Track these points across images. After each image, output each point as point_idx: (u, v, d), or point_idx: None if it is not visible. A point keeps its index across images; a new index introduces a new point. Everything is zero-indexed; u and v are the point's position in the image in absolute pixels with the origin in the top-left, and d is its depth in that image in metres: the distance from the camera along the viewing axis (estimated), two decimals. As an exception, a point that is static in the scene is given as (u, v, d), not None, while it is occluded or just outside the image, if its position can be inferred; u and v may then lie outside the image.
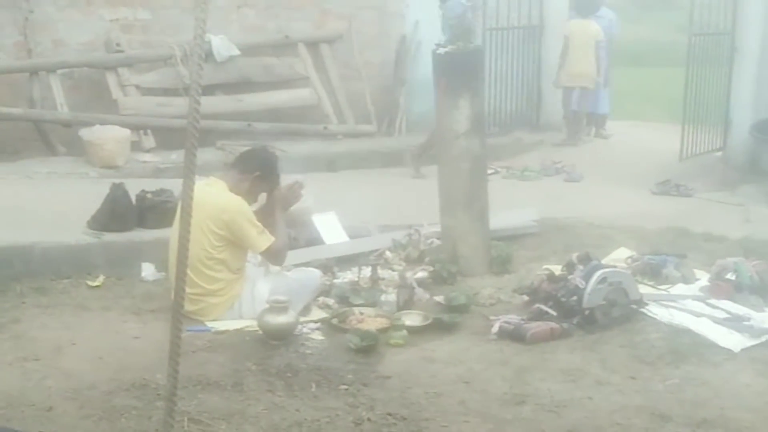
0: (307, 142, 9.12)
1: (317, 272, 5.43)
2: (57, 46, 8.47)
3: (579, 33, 10.01)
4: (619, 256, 6.11)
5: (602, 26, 10.46)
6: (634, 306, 5.13)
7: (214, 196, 4.90)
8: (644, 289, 5.42)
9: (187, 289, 3.78)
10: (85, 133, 7.89)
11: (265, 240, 5.00)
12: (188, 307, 4.26)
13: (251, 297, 5.05)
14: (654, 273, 5.77)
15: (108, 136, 7.87)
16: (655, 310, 5.17)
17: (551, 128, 10.68)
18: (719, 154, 9.37)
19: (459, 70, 5.91)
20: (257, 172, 5.10)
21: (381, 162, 9.04)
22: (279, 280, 5.17)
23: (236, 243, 4.98)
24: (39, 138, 8.22)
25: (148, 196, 6.21)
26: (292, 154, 8.58)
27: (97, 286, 5.55)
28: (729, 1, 9.16)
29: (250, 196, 5.15)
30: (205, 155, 6.99)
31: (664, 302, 5.32)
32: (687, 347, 4.71)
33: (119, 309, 5.21)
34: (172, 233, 5.08)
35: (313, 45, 9.58)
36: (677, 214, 7.36)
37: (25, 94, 8.18)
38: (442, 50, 5.91)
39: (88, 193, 6.50)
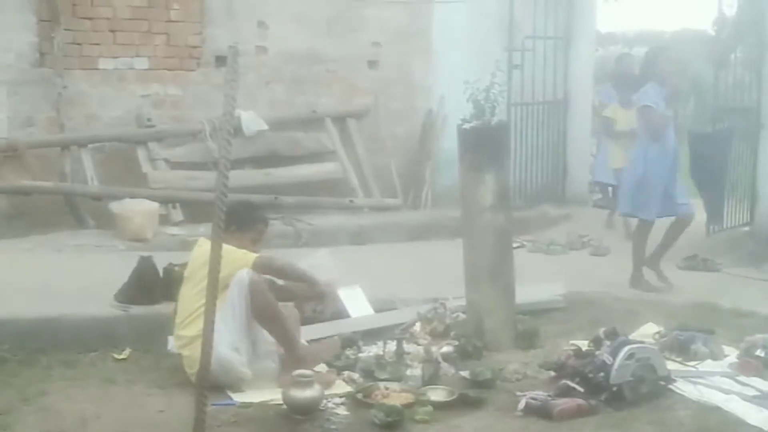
0: (333, 215, 9.18)
1: (244, 273, 5.11)
2: (89, 121, 8.62)
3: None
4: (647, 332, 6.06)
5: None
6: (663, 382, 5.07)
7: (205, 255, 4.90)
8: (672, 366, 5.36)
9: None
10: (114, 206, 7.98)
11: (249, 257, 5.12)
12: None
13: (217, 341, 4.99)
14: (682, 349, 5.71)
15: (137, 210, 7.96)
16: (683, 387, 5.11)
17: (577, 201, 10.70)
18: (746, 228, 9.33)
19: (484, 145, 5.96)
20: (232, 227, 5.15)
21: (407, 235, 9.05)
22: (222, 308, 5.08)
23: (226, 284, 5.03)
24: (69, 211, 8.32)
25: (176, 269, 6.24)
26: (318, 227, 8.65)
27: (123, 359, 5.57)
28: (754, 77, 9.21)
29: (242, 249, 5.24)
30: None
31: (693, 379, 5.26)
32: (716, 425, 4.64)
33: (145, 382, 5.21)
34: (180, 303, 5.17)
35: (339, 119, 9.72)
36: (705, 289, 7.30)
37: (57, 168, 8.31)
38: (467, 125, 5.97)
39: (116, 266, 6.55)
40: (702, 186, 9.00)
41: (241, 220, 5.36)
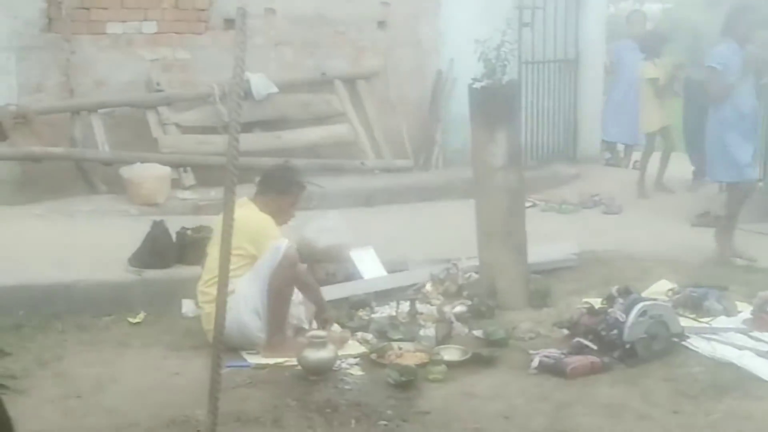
0: (345, 178, 9.15)
1: (282, 249, 5.11)
2: (98, 86, 8.59)
3: None
4: (660, 289, 6.06)
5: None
6: (676, 339, 5.08)
7: (244, 219, 4.89)
8: (685, 322, 5.37)
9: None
10: (125, 171, 7.99)
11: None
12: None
13: (235, 301, 5.02)
14: (695, 306, 5.72)
15: (148, 174, 7.96)
16: (696, 344, 5.12)
17: (588, 161, 10.67)
18: (760, 184, 9.27)
19: (495, 104, 5.93)
20: (273, 193, 5.32)
21: (418, 196, 9.04)
22: (251, 274, 5.14)
23: (255, 257, 5.11)
24: (80, 177, 8.33)
25: (188, 233, 6.28)
26: (329, 190, 8.63)
27: (137, 323, 5.61)
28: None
29: (279, 215, 5.32)
30: (244, 191, 6.94)
31: (706, 335, 5.26)
32: (730, 381, 4.65)
33: (160, 346, 5.25)
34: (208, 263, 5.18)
35: (349, 82, 9.66)
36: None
37: (67, 134, 8.30)
38: (478, 84, 5.94)
39: (129, 231, 6.57)
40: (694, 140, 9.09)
41: (281, 184, 5.41)
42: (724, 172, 7.25)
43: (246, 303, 5.05)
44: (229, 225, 3.60)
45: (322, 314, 5.36)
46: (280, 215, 5.33)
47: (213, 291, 5.04)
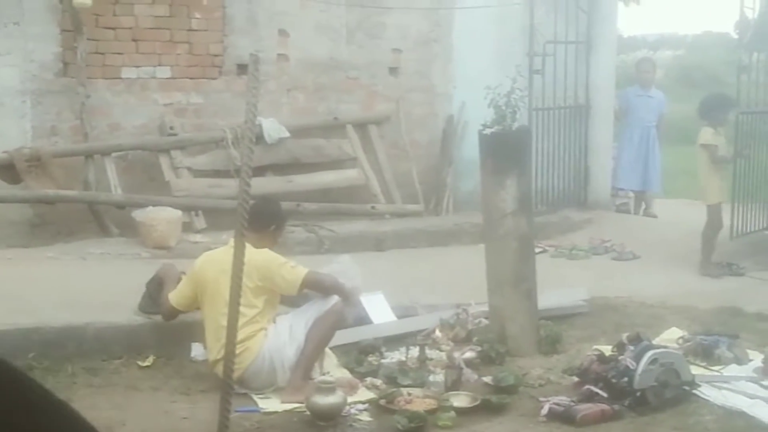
0: (355, 222, 9.18)
1: (335, 298, 5.37)
2: (112, 129, 8.67)
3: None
4: (671, 337, 6.04)
5: (653, 106, 10.55)
6: (687, 387, 5.05)
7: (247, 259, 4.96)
8: (696, 371, 5.34)
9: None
10: (137, 214, 8.03)
11: (298, 274, 5.19)
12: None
13: (275, 335, 5.10)
14: (706, 354, 5.70)
15: (160, 218, 8.01)
16: (707, 392, 5.09)
17: (599, 206, 10.67)
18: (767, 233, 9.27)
19: (505, 150, 5.97)
20: (273, 226, 5.48)
21: (428, 241, 9.06)
22: (297, 313, 5.22)
23: (274, 290, 5.15)
24: (93, 219, 8.38)
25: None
26: (340, 234, 8.66)
27: (147, 366, 5.61)
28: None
29: (271, 246, 5.43)
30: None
31: (717, 384, 5.24)
32: (741, 430, 4.62)
33: (169, 389, 5.25)
34: (208, 311, 5.22)
35: (361, 126, 9.73)
36: (729, 293, 7.27)
37: (81, 177, 8.37)
38: (488, 130, 5.97)
39: (140, 274, 6.59)
40: None
41: (280, 219, 5.61)
42: None
43: (286, 338, 5.10)
44: (239, 267, 3.63)
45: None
46: (272, 246, 5.46)
47: (246, 343, 5.05)
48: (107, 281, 6.82)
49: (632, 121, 10.72)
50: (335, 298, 5.25)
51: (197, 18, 8.93)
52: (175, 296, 5.57)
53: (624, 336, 5.38)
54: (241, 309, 4.94)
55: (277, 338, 5.15)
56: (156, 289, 6.10)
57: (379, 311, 6.33)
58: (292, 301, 5.57)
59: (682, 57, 32.63)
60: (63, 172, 8.27)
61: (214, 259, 5.37)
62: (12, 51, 8.21)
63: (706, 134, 8.38)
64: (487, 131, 5.96)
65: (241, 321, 4.97)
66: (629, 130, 10.76)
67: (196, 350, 5.73)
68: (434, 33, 10.04)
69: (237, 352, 4.93)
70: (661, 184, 11.09)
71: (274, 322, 5.32)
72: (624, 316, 6.60)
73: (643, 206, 10.97)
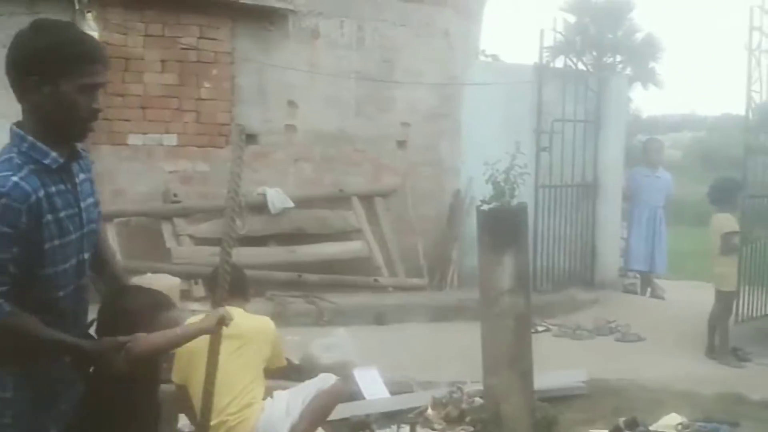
0: (357, 295, 9.11)
1: (332, 377, 5.20)
2: (116, 195, 8.67)
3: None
4: (670, 423, 5.88)
5: (660, 187, 10.53)
6: (681, 476, 4.91)
7: (249, 322, 4.92)
8: (693, 459, 5.19)
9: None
10: (136, 281, 7.97)
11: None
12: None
13: (272, 408, 4.98)
14: (705, 441, 5.56)
15: (157, 285, 7.90)
16: (703, 482, 4.94)
17: (606, 286, 10.56)
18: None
19: (502, 227, 5.90)
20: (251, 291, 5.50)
21: (430, 316, 8.97)
22: (296, 389, 5.13)
23: (271, 359, 5.04)
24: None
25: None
26: (341, 306, 8.58)
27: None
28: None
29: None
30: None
31: (714, 473, 5.08)
32: None
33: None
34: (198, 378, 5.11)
35: (367, 198, 9.72)
36: (733, 380, 7.13)
37: (82, 242, 8.34)
38: (485, 207, 5.91)
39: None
40: None
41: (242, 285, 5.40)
42: None
43: (282, 414, 4.99)
44: (216, 341, 3.56)
45: None
46: None
47: (233, 409, 4.94)
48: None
49: (639, 201, 10.68)
50: (334, 377, 5.13)
51: (206, 87, 9.00)
52: (176, 374, 5.42)
53: (621, 420, 5.28)
54: (245, 375, 4.88)
55: (273, 413, 5.03)
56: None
57: (373, 387, 6.22)
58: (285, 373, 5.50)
59: (701, 138, 32.76)
60: (64, 237, 8.23)
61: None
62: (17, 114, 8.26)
63: (728, 222, 8.27)
64: (485, 207, 5.91)
65: (239, 388, 4.90)
66: (637, 211, 10.71)
67: (184, 422, 5.62)
68: (443, 108, 10.08)
69: (233, 423, 4.87)
70: (666, 265, 10.96)
71: (272, 396, 5.22)
72: (624, 399, 6.45)
73: (649, 290, 10.84)
